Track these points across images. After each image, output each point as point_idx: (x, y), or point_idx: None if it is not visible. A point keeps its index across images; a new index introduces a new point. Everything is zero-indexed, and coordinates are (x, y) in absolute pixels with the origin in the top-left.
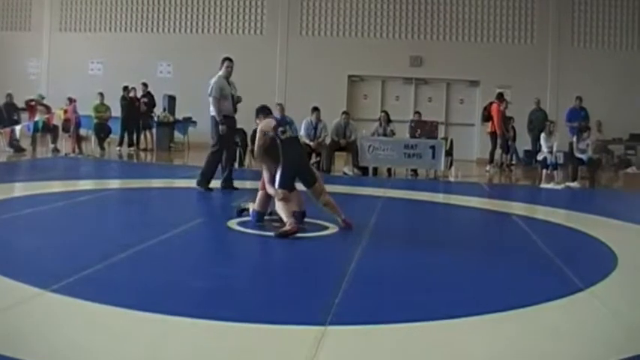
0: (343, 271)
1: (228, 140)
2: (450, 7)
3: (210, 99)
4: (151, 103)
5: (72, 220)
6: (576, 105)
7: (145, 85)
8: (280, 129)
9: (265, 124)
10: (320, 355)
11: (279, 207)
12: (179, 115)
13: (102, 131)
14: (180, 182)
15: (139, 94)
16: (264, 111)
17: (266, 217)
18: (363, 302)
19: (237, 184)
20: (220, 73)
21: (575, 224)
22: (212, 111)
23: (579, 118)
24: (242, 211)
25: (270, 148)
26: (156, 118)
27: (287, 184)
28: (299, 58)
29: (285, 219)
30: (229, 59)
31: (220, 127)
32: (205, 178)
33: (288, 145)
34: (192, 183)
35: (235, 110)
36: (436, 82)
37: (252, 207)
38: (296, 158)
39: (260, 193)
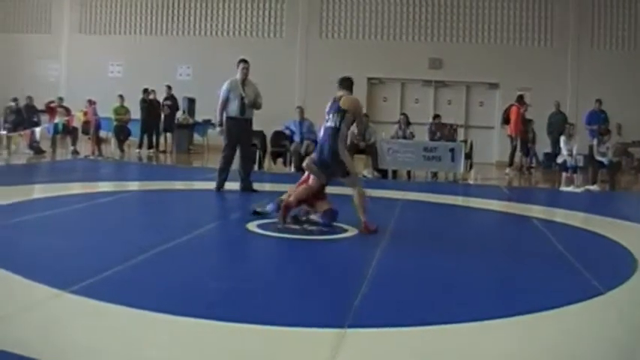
0: (363, 273)
1: (236, 141)
2: (470, 10)
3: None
4: (175, 106)
5: (92, 222)
6: (596, 108)
7: (169, 87)
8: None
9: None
10: (339, 358)
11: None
12: (198, 117)
13: (121, 133)
14: (200, 184)
15: (160, 96)
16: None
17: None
18: (383, 305)
19: (256, 186)
20: (237, 75)
21: (595, 227)
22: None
23: (599, 121)
24: (255, 213)
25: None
26: (176, 121)
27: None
28: (318, 61)
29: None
30: (244, 61)
31: (217, 128)
32: (248, 180)
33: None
34: (212, 185)
35: (243, 112)
36: (456, 84)
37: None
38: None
39: (302, 188)
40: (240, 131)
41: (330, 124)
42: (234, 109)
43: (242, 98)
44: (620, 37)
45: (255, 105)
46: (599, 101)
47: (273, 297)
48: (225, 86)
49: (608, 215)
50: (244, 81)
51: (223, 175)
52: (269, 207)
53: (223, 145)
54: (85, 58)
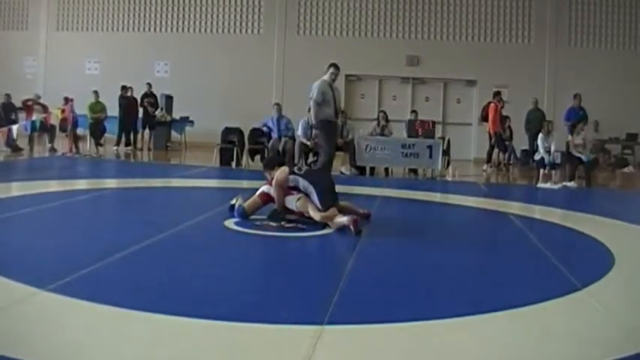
0: (341, 270)
1: (330, 144)
2: (447, 7)
3: (311, 102)
4: (156, 104)
5: (69, 220)
6: (575, 104)
7: (149, 85)
8: (295, 168)
9: (280, 173)
10: (317, 355)
11: (334, 223)
12: (176, 114)
13: (97, 130)
14: (178, 182)
15: (138, 93)
16: (274, 162)
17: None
18: (361, 301)
19: (234, 184)
20: (325, 77)
21: (572, 224)
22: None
23: (577, 118)
24: (232, 207)
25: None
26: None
27: (328, 202)
28: (296, 58)
29: (345, 222)
30: (335, 66)
31: (314, 131)
32: None
33: (312, 174)
34: (190, 182)
35: (337, 116)
36: (433, 81)
37: (239, 202)
38: (325, 179)
39: (254, 199)
40: (334, 133)
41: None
42: (329, 112)
43: (335, 101)
44: (598, 34)
45: (340, 112)
46: (578, 97)
47: (251, 294)
48: (317, 89)
49: (585, 212)
50: (332, 84)
51: None
52: (236, 213)
53: (323, 147)
54: (62, 55)
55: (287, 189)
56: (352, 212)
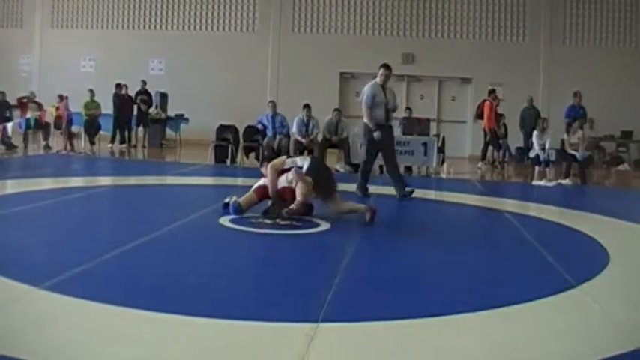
0: (336, 268)
1: (381, 148)
2: (442, 5)
3: (362, 106)
4: (150, 101)
5: (64, 218)
6: (575, 102)
7: (144, 82)
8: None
9: (277, 159)
10: (312, 352)
11: (300, 188)
12: (171, 112)
13: (91, 128)
14: (173, 179)
15: (133, 91)
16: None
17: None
18: (356, 299)
19: (228, 181)
20: (377, 79)
21: (567, 221)
22: (365, 118)
23: (577, 116)
24: (226, 206)
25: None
26: (148, 115)
27: (313, 173)
28: (291, 56)
29: (298, 197)
30: (385, 66)
31: (375, 133)
32: (362, 185)
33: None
34: (185, 180)
35: (388, 119)
36: (428, 79)
37: (235, 199)
38: (320, 162)
39: (250, 194)
40: (385, 138)
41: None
42: (380, 116)
43: (386, 104)
44: (592, 32)
45: (395, 109)
46: (578, 95)
47: (245, 292)
48: (368, 92)
49: (580, 209)
50: (384, 86)
51: (365, 181)
52: (231, 209)
53: (365, 150)
54: (57, 53)
55: (281, 172)
56: (354, 210)
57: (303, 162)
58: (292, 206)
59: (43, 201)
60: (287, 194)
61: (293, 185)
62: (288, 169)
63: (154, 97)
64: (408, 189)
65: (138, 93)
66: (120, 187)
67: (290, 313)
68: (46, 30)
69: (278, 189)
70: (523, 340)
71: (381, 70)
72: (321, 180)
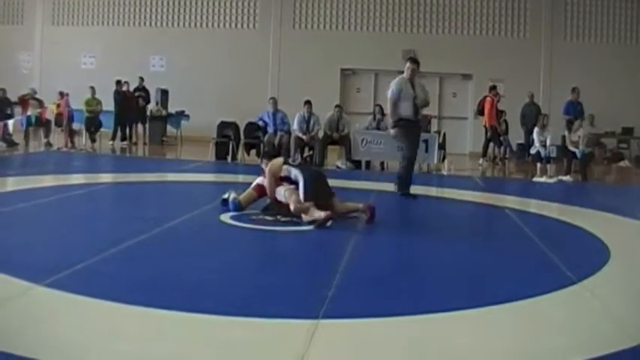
0: (336, 264)
1: (410, 140)
2: (443, 1)
3: (388, 101)
4: (147, 98)
5: (65, 215)
6: (573, 98)
7: (141, 79)
8: (289, 160)
9: (274, 162)
10: (312, 349)
11: (306, 217)
12: (172, 109)
13: (92, 125)
14: (174, 176)
15: (133, 88)
16: (271, 154)
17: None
18: (356, 295)
19: (229, 178)
20: (404, 74)
21: (568, 218)
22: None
23: (575, 112)
24: (224, 202)
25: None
26: (148, 112)
27: (310, 195)
28: (292, 52)
29: (321, 216)
30: (412, 59)
31: (391, 130)
32: (404, 183)
33: (305, 166)
34: (186, 176)
35: (416, 114)
36: (429, 75)
37: (233, 195)
38: (315, 173)
39: (249, 191)
40: (412, 133)
41: None
42: (407, 111)
43: (414, 99)
44: (593, 28)
45: (426, 104)
46: (576, 91)
47: (246, 289)
48: (394, 86)
49: (581, 206)
50: (412, 80)
51: (410, 179)
52: (231, 206)
53: (405, 145)
54: (58, 50)
55: (279, 179)
56: (352, 210)
57: (297, 175)
58: (318, 217)
59: (44, 198)
60: (284, 205)
61: (289, 201)
62: (285, 178)
63: (154, 94)
64: (411, 192)
65: (135, 89)
66: (121, 184)
67: (291, 310)
68: (47, 27)
69: (276, 198)
70: (524, 336)
71: (408, 64)
72: (318, 193)
